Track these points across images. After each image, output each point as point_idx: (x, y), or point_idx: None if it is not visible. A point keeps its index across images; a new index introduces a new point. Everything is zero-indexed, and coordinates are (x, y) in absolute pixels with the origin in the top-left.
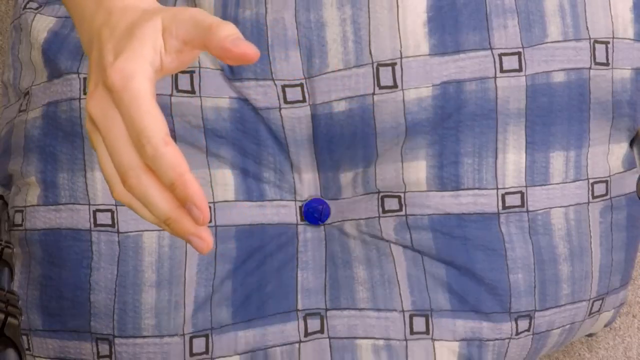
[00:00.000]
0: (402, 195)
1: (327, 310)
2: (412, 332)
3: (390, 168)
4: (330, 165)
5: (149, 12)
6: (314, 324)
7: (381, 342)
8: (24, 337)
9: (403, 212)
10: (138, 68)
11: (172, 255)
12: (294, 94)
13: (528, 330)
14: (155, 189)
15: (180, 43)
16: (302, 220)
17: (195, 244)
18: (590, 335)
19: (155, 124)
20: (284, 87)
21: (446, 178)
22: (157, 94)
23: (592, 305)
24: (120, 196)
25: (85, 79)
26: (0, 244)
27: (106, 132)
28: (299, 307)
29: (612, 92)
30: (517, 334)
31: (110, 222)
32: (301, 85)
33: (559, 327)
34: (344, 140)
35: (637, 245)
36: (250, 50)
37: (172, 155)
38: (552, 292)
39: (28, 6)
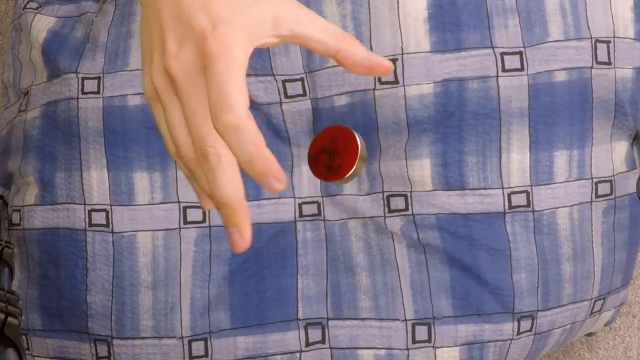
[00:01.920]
0: (408, 194)
1: (328, 319)
2: (414, 341)
3: (394, 165)
4: None
5: None
6: (315, 333)
7: (383, 352)
8: (23, 337)
9: (410, 212)
10: (239, 41)
11: (166, 255)
12: (294, 88)
13: (530, 330)
14: (227, 169)
15: (291, 35)
16: (301, 216)
17: (234, 240)
18: (590, 334)
19: (242, 96)
20: (284, 82)
21: (451, 177)
22: None
23: (594, 305)
24: (184, 156)
25: (83, 78)
26: (0, 244)
27: (187, 95)
28: (300, 316)
29: (614, 91)
30: (519, 334)
31: (104, 222)
32: (301, 79)
33: (560, 327)
34: None
35: (639, 245)
36: (385, 62)
37: (254, 129)
38: (555, 292)
39: (28, 6)
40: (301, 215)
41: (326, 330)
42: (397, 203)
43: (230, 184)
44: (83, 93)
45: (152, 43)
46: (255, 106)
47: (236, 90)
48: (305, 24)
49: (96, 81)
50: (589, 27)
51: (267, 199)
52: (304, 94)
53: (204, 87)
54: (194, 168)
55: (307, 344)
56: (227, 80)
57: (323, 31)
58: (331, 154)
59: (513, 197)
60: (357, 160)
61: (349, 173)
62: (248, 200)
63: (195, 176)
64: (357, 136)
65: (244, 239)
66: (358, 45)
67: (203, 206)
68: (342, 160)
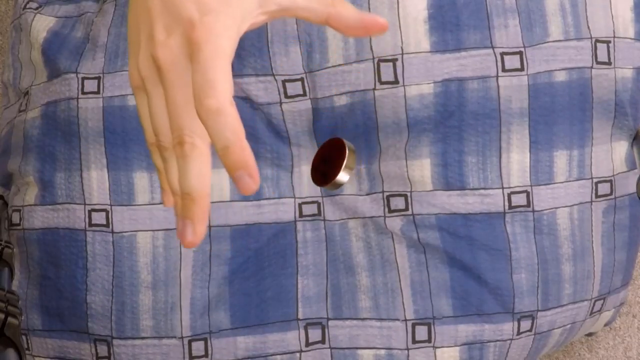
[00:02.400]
0: (408, 194)
1: (328, 319)
2: (414, 341)
3: (394, 165)
4: None
5: None
6: (315, 333)
7: (383, 352)
8: (24, 337)
9: (410, 212)
10: (225, 30)
11: (166, 256)
12: (294, 88)
13: (530, 330)
14: (199, 159)
15: (279, 9)
16: (301, 216)
17: (185, 232)
18: (590, 334)
19: (227, 83)
20: (284, 82)
21: (451, 177)
22: None
23: (594, 305)
24: (152, 142)
25: (83, 78)
26: (0, 244)
27: (171, 85)
28: (300, 316)
29: (614, 92)
30: (519, 334)
31: (104, 222)
32: (301, 79)
33: (560, 327)
34: (346, 133)
35: (639, 245)
36: (379, 20)
37: (235, 117)
38: (555, 292)
39: (28, 6)
40: (301, 215)
41: (326, 330)
42: (397, 203)
43: (198, 175)
44: (83, 93)
45: (140, 32)
46: (255, 106)
47: (221, 77)
48: None
49: (96, 81)
50: (589, 27)
51: (267, 199)
52: (304, 94)
53: (188, 77)
54: (169, 157)
55: (307, 344)
56: (212, 67)
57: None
58: (326, 163)
59: (513, 197)
60: (340, 170)
61: (332, 181)
62: (248, 201)
63: (167, 167)
64: (347, 147)
65: (195, 234)
66: (349, 7)
67: (165, 203)
68: (330, 168)
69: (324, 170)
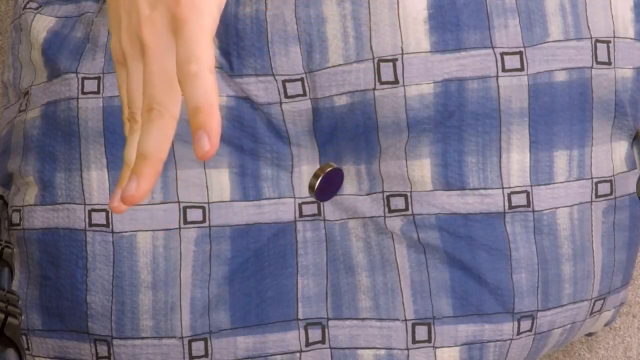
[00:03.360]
0: (408, 194)
1: (328, 319)
2: (414, 341)
3: (394, 165)
4: (333, 157)
5: None
6: (315, 334)
7: (383, 352)
8: (23, 337)
9: (410, 212)
10: (207, 6)
11: (166, 256)
12: (294, 88)
13: (530, 330)
14: (162, 127)
15: None
16: (301, 216)
17: (127, 193)
18: (590, 334)
19: (209, 55)
20: (284, 82)
21: (451, 177)
22: None
23: (594, 305)
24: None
25: (83, 78)
26: (0, 244)
27: (152, 59)
28: (300, 316)
29: (614, 92)
30: (519, 334)
31: (104, 222)
32: (301, 79)
33: (560, 327)
34: (346, 133)
35: (639, 245)
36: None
37: (211, 83)
38: (555, 292)
39: (28, 6)
40: (301, 215)
41: (326, 330)
42: (397, 203)
43: (158, 140)
44: (83, 93)
45: (121, 7)
46: (255, 106)
47: (204, 49)
48: None
49: (96, 81)
50: (589, 27)
51: (267, 199)
52: (304, 94)
53: (169, 55)
54: (136, 130)
55: (307, 344)
56: (196, 41)
57: None
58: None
59: (513, 197)
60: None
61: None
62: (248, 200)
63: (131, 139)
64: (321, 165)
65: (138, 189)
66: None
67: (110, 203)
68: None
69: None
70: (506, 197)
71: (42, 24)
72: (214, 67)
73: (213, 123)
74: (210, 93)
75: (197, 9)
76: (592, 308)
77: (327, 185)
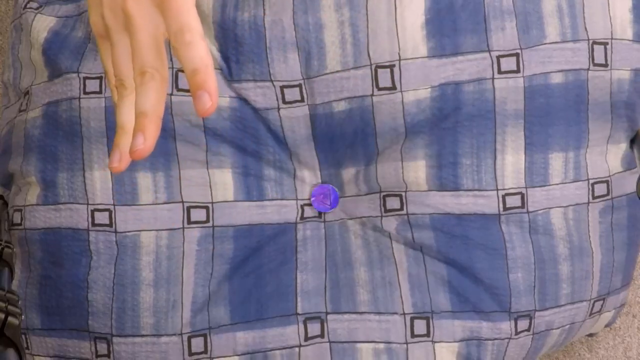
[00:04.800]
0: (403, 194)
1: (327, 314)
2: (412, 335)
3: (390, 167)
4: (332, 162)
5: None
6: (314, 328)
7: (382, 345)
8: (23, 337)
9: (404, 211)
10: None
11: (169, 254)
12: (292, 94)
13: (528, 330)
14: (157, 87)
15: None
16: (302, 218)
17: (136, 145)
18: (590, 335)
19: (197, 21)
20: (282, 87)
21: (445, 178)
22: None
23: (593, 305)
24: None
25: (85, 78)
26: (1, 244)
27: (139, 30)
28: (299, 310)
29: (610, 93)
30: (517, 333)
31: (108, 222)
32: (299, 85)
33: (558, 327)
34: (345, 139)
35: (638, 245)
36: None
37: (205, 48)
38: (552, 291)
39: (28, 6)
40: (302, 217)
41: (325, 325)
42: (393, 203)
43: (155, 99)
44: (85, 93)
45: None
46: (254, 111)
47: (194, 19)
48: None
49: (98, 81)
50: (586, 29)
51: (270, 199)
52: (302, 100)
53: (154, 22)
54: (127, 95)
55: (306, 338)
56: (184, 12)
57: None
58: None
59: (507, 199)
60: None
61: None
62: (252, 201)
63: (122, 103)
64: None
65: (145, 143)
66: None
67: (109, 164)
68: None
69: None
70: (500, 199)
71: (43, 24)
72: (203, 34)
73: (211, 81)
74: (205, 56)
75: None
76: (592, 309)
77: None
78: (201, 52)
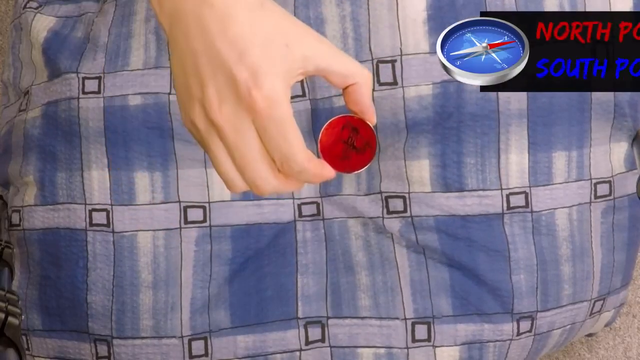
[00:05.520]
0: (406, 195)
1: (328, 318)
2: (413, 340)
3: (393, 165)
4: None
5: (287, 32)
6: (315, 332)
7: (382, 350)
8: (23, 337)
9: (408, 214)
10: (282, 93)
11: (167, 255)
12: (294, 89)
13: (529, 331)
14: (278, 183)
15: (315, 70)
16: (300, 216)
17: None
18: (590, 335)
19: (301, 144)
20: None
21: (449, 178)
22: (155, 93)
23: (594, 305)
24: (238, 190)
25: (84, 78)
26: (0, 244)
27: (237, 147)
28: (300, 314)
29: (613, 93)
30: (519, 334)
31: (105, 222)
32: (301, 80)
33: (559, 328)
34: None
35: (638, 245)
36: (371, 117)
37: (314, 168)
38: (554, 292)
39: (28, 6)
40: (300, 215)
41: (326, 329)
42: (396, 205)
43: (313, 176)
44: (84, 93)
45: (190, 88)
46: None
47: (295, 147)
48: (328, 59)
49: (97, 81)
50: None
51: (267, 199)
52: (304, 95)
53: (251, 135)
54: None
55: (307, 342)
56: (283, 139)
57: (343, 65)
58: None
59: (512, 198)
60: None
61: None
62: (249, 200)
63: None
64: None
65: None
66: (369, 88)
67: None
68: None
69: (349, 154)
70: (504, 198)
71: (43, 24)
72: (308, 153)
73: (327, 177)
74: (317, 175)
75: (272, 100)
76: (592, 309)
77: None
78: (312, 173)
